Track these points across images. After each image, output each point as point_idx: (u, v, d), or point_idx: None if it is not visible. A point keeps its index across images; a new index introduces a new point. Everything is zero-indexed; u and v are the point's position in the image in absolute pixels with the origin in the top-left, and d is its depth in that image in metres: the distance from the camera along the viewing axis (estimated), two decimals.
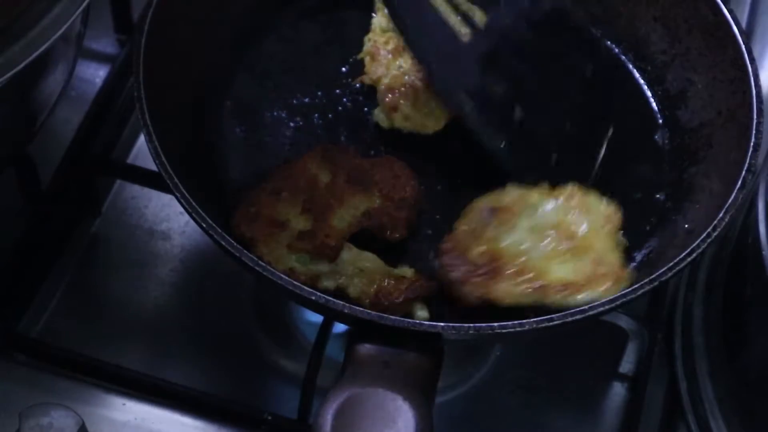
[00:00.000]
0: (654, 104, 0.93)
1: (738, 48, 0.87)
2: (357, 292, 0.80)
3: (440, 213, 0.87)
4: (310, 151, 0.86)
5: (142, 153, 1.00)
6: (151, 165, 0.80)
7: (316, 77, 0.94)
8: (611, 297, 0.76)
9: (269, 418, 0.85)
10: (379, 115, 0.91)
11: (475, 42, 0.88)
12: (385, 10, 0.93)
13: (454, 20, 0.88)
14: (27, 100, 0.82)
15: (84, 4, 0.74)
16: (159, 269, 0.96)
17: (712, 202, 0.83)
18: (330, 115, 0.92)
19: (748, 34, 0.96)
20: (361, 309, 0.74)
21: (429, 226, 0.87)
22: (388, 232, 0.84)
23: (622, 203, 0.88)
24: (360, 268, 0.82)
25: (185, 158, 0.83)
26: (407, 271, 0.83)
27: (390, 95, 0.90)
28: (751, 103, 0.84)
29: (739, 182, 0.80)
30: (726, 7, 0.88)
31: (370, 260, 0.83)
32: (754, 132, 0.83)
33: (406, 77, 0.90)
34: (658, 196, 0.89)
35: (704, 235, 0.78)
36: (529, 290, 0.79)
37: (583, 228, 0.83)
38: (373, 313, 0.74)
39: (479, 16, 0.89)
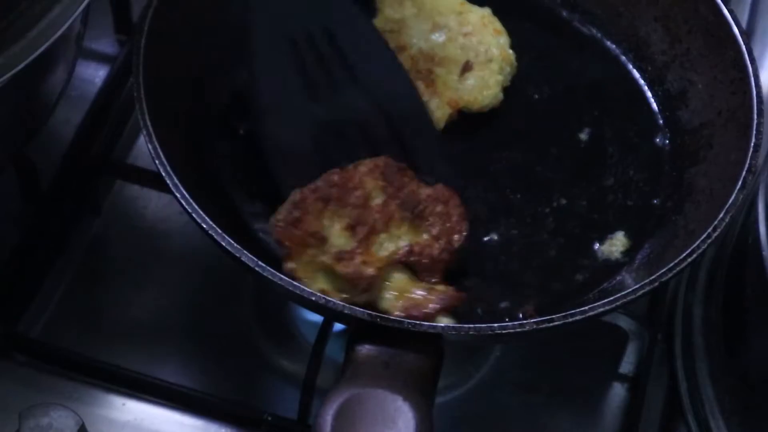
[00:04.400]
0: (654, 105, 0.93)
1: (738, 48, 0.87)
2: (386, 306, 0.79)
3: None
4: (368, 161, 0.83)
5: (142, 153, 1.00)
6: (151, 165, 0.80)
7: None
8: (612, 298, 0.76)
9: (269, 418, 0.85)
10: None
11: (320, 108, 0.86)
12: (386, 11, 0.94)
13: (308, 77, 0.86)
14: (27, 101, 0.82)
15: (84, 4, 0.74)
16: (159, 269, 0.96)
17: (712, 203, 0.83)
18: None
19: (748, 35, 0.96)
20: (361, 309, 0.74)
21: None
22: (424, 273, 0.81)
23: (623, 204, 0.88)
24: (389, 282, 0.80)
25: (185, 158, 0.83)
26: (437, 284, 0.81)
27: None
28: (751, 104, 0.84)
29: (740, 182, 0.80)
30: (726, 8, 0.88)
31: (398, 274, 0.81)
32: (754, 132, 0.83)
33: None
34: (658, 196, 0.89)
35: (704, 235, 0.78)
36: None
37: None
38: (374, 313, 0.74)
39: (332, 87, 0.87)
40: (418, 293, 0.79)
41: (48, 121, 0.87)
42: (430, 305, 0.78)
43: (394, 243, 0.80)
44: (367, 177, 0.82)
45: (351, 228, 0.80)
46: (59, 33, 0.72)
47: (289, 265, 0.79)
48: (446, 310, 0.79)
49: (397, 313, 0.77)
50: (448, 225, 0.82)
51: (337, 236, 0.80)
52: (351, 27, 0.88)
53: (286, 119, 0.85)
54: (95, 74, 1.04)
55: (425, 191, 0.83)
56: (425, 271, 0.80)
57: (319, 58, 0.86)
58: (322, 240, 0.79)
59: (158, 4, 0.85)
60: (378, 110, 0.86)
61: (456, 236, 0.82)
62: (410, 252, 0.80)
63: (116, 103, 1.00)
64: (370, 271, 0.78)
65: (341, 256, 0.79)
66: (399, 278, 0.80)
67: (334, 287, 0.79)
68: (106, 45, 1.06)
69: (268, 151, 0.84)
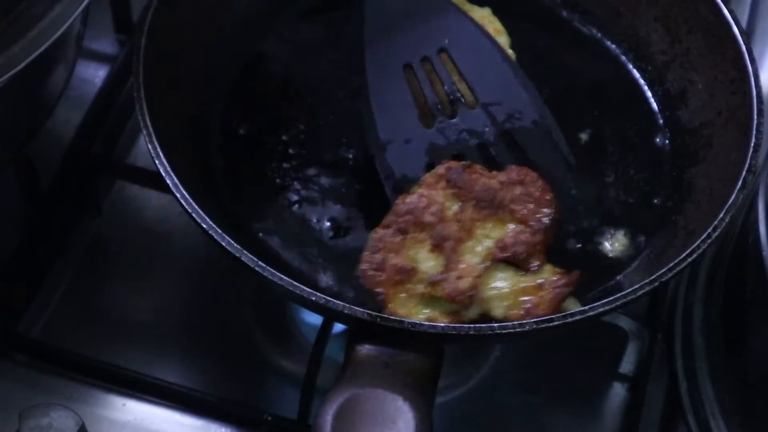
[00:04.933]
0: (654, 104, 0.94)
1: (738, 48, 0.87)
2: (502, 313, 0.77)
3: None
4: (429, 174, 0.81)
5: (142, 153, 1.00)
6: (151, 165, 0.80)
7: (316, 77, 0.94)
8: (612, 298, 0.76)
9: (269, 418, 0.85)
10: None
11: (436, 134, 0.85)
12: None
13: (423, 104, 0.85)
14: (27, 100, 0.82)
15: (84, 4, 0.74)
16: (159, 269, 0.96)
17: (712, 203, 0.83)
18: (331, 116, 0.92)
19: (748, 34, 0.96)
20: (361, 309, 0.74)
21: None
22: (525, 263, 0.78)
23: (623, 204, 0.88)
24: (495, 288, 0.78)
25: (185, 158, 0.83)
26: (545, 271, 0.78)
27: None
28: (751, 104, 0.84)
29: (740, 182, 0.80)
30: (726, 7, 0.88)
31: (501, 276, 0.78)
32: (754, 132, 0.83)
33: None
34: (658, 196, 0.89)
35: (704, 235, 0.78)
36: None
37: None
38: (373, 313, 0.74)
39: (449, 111, 0.86)
40: (528, 295, 0.76)
41: (48, 121, 0.87)
42: (546, 304, 0.76)
43: (482, 245, 0.78)
44: (434, 190, 0.79)
45: (436, 248, 0.78)
46: (59, 33, 0.72)
47: (390, 308, 0.77)
48: (565, 298, 0.76)
49: (516, 319, 0.76)
50: (531, 205, 0.78)
51: (426, 261, 0.78)
52: (468, 45, 0.87)
53: (402, 149, 0.84)
54: (95, 74, 1.04)
55: (498, 179, 0.79)
56: (525, 260, 0.77)
57: (435, 82, 0.86)
58: (412, 272, 0.77)
59: (158, 4, 0.85)
60: (498, 130, 0.85)
61: (544, 211, 0.78)
62: (503, 248, 0.77)
63: (116, 103, 1.00)
64: (466, 284, 0.76)
65: (435, 281, 0.77)
66: (503, 279, 0.78)
67: (441, 311, 0.78)
68: (106, 45, 1.06)
69: (387, 184, 0.83)
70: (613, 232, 0.87)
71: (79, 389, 0.86)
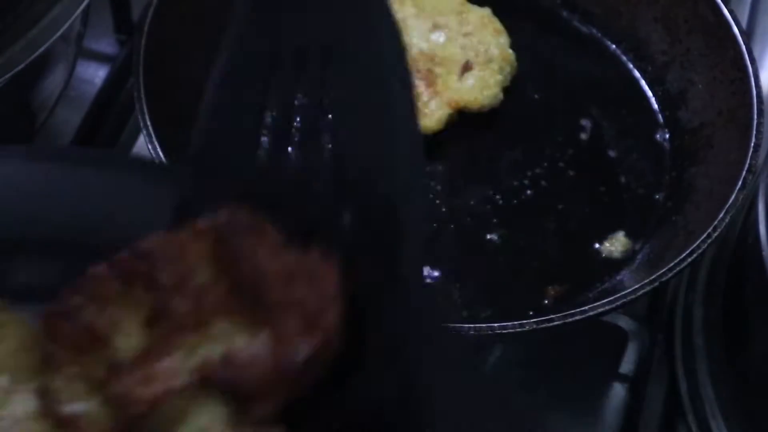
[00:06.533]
0: (654, 104, 0.94)
1: (738, 48, 0.87)
2: None
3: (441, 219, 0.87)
4: (206, 218, 0.50)
5: (142, 153, 1.00)
6: None
7: None
8: (612, 298, 0.76)
9: None
10: None
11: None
12: None
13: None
14: (27, 100, 0.82)
15: (84, 4, 0.74)
16: None
17: (712, 203, 0.83)
18: (331, 116, 0.91)
19: (748, 35, 0.96)
20: None
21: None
22: (248, 402, 0.46)
23: (623, 204, 0.88)
24: (193, 423, 0.46)
25: (185, 159, 0.83)
26: None
27: None
28: (751, 104, 0.84)
29: (740, 182, 0.80)
30: (726, 8, 0.88)
31: (209, 411, 0.46)
32: (754, 132, 0.83)
33: None
34: (658, 196, 0.89)
35: (704, 235, 0.78)
36: None
37: None
38: None
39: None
40: None
41: (48, 121, 0.87)
42: None
43: (206, 349, 0.47)
44: (194, 243, 0.49)
45: (152, 324, 0.48)
46: (59, 33, 0.72)
47: (47, 382, 0.47)
48: None
49: None
50: (300, 320, 0.47)
51: (127, 337, 0.48)
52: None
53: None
54: (95, 74, 1.04)
55: (277, 264, 0.48)
56: (250, 398, 0.46)
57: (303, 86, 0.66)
58: (101, 342, 0.47)
59: (158, 4, 0.85)
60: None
61: (307, 340, 0.46)
62: (225, 364, 0.46)
63: (116, 103, 1.00)
64: (150, 391, 0.46)
65: (120, 369, 0.46)
66: (210, 417, 0.46)
67: (104, 415, 0.46)
68: (106, 45, 1.06)
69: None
70: (613, 232, 0.87)
71: None
